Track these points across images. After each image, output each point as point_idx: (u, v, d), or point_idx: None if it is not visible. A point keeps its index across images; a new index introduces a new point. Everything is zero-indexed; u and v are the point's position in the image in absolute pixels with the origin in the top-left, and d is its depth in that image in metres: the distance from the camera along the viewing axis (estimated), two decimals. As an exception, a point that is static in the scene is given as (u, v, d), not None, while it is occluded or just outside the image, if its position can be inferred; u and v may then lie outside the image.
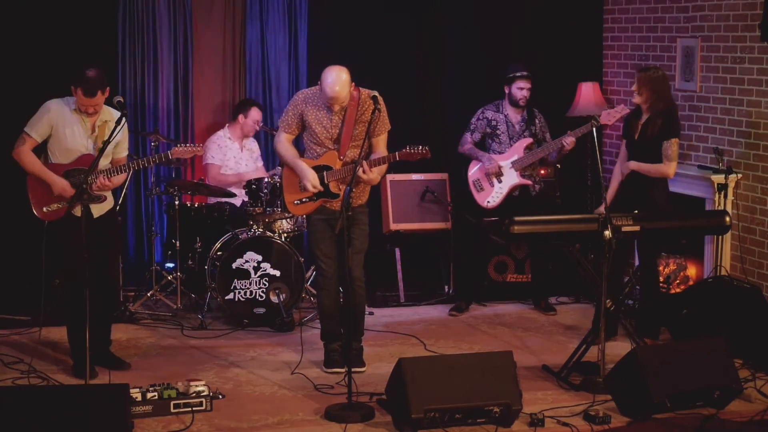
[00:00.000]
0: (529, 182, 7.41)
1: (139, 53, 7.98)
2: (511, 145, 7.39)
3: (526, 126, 7.40)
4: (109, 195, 6.10)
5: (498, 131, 7.42)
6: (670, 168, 6.53)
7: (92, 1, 7.76)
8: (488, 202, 7.45)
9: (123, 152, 6.10)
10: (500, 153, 7.41)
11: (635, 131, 6.61)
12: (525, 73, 7.34)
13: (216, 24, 8.25)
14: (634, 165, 6.56)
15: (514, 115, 7.43)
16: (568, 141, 7.15)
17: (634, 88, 6.56)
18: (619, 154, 6.83)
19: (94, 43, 7.70)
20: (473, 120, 7.50)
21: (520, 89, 7.35)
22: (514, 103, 7.38)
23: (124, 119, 5.74)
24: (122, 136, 6.03)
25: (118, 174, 5.96)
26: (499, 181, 7.39)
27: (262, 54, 8.28)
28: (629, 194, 6.56)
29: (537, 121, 7.43)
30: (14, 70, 7.59)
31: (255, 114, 7.80)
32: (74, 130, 5.90)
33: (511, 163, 7.37)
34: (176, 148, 6.19)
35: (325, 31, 8.25)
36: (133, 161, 6.13)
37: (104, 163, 5.97)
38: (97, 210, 6.01)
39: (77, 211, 5.88)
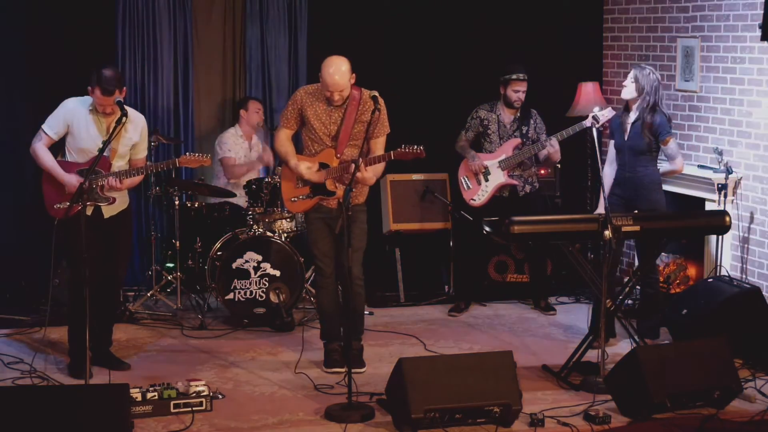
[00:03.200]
0: (517, 182, 7.40)
1: (139, 53, 7.98)
2: (501, 145, 7.40)
3: (517, 126, 7.39)
4: (123, 196, 6.10)
5: (489, 131, 7.42)
6: (680, 164, 6.67)
7: (92, 0, 7.76)
8: (473, 200, 7.45)
9: (140, 154, 6.11)
10: (491, 152, 7.41)
11: (624, 131, 6.58)
12: (521, 76, 7.31)
13: (216, 24, 8.25)
14: (665, 173, 6.72)
15: (507, 115, 7.42)
16: (551, 143, 7.15)
17: (631, 83, 6.48)
18: (607, 156, 6.76)
19: (94, 42, 7.70)
20: (468, 119, 7.51)
21: (516, 92, 7.33)
22: (509, 105, 7.37)
23: (124, 119, 5.76)
24: (141, 138, 6.06)
25: (130, 177, 5.97)
26: (486, 180, 7.39)
27: (262, 54, 8.28)
28: (628, 200, 6.53)
29: (532, 122, 7.40)
30: (14, 70, 7.59)
31: (253, 105, 7.87)
32: (89, 130, 5.91)
33: (499, 162, 7.37)
34: (184, 157, 6.19)
35: (325, 31, 8.25)
36: (143, 167, 6.11)
37: (120, 164, 5.98)
38: (109, 210, 6.03)
39: (88, 210, 5.90)
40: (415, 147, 5.94)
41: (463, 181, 7.52)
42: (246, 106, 7.88)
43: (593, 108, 6.67)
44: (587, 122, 6.83)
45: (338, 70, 5.91)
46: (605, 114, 6.54)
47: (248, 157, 7.88)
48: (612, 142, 6.70)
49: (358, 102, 6.04)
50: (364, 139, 6.00)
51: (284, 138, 6.18)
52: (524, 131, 7.38)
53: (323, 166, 6.11)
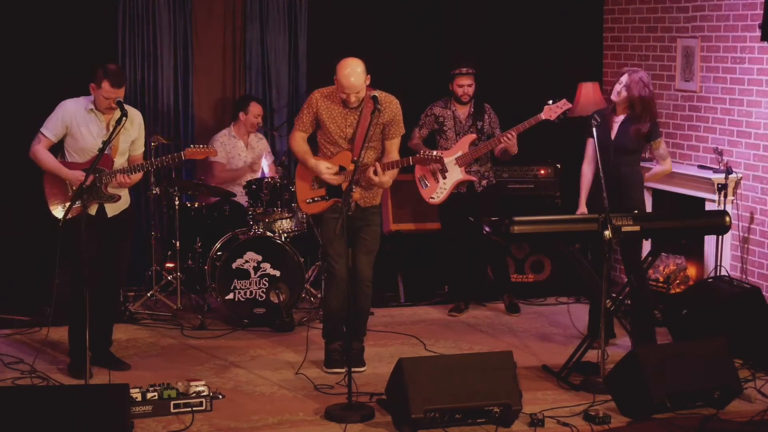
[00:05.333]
0: (474, 178, 7.40)
1: (139, 53, 7.98)
2: (457, 141, 7.40)
3: (473, 122, 7.40)
4: (125, 195, 6.10)
5: (445, 127, 7.43)
6: (669, 165, 6.70)
7: (92, 1, 7.76)
8: (432, 198, 7.45)
9: (139, 149, 6.11)
10: (446, 149, 7.42)
11: (610, 130, 6.55)
12: (463, 70, 7.36)
13: (216, 24, 8.25)
14: (655, 174, 6.81)
15: (462, 111, 7.43)
16: (508, 137, 7.15)
17: (621, 88, 6.44)
18: (586, 154, 6.70)
19: (94, 42, 7.70)
20: (422, 116, 7.52)
21: (460, 86, 7.37)
22: (458, 100, 7.40)
23: (124, 119, 5.75)
24: (138, 133, 6.06)
25: (134, 173, 5.97)
26: (444, 177, 7.39)
27: (262, 54, 8.28)
28: (611, 196, 6.47)
29: (486, 117, 7.42)
30: (14, 71, 7.59)
31: (254, 109, 7.83)
32: (89, 129, 5.91)
33: (456, 159, 7.37)
34: (189, 149, 6.20)
35: (325, 30, 8.25)
36: (147, 162, 6.13)
37: (121, 161, 5.98)
38: (112, 210, 6.03)
39: (92, 210, 5.90)
40: (435, 153, 5.97)
41: (419, 180, 7.50)
42: (246, 109, 7.82)
43: (548, 101, 6.99)
44: (543, 114, 7.00)
45: (354, 71, 5.90)
46: (554, 108, 6.92)
47: (243, 156, 7.85)
48: (591, 140, 6.66)
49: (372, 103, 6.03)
50: (367, 139, 5.97)
51: (300, 140, 6.18)
52: (479, 126, 7.39)
53: (340, 168, 6.10)
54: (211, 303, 7.42)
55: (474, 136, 7.37)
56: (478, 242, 7.53)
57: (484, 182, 7.47)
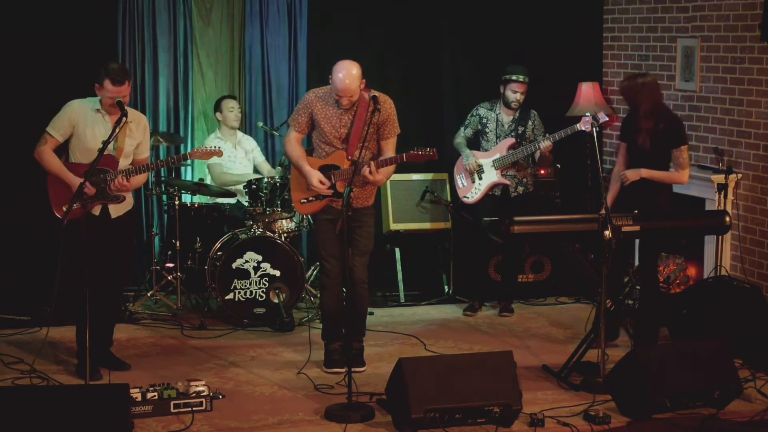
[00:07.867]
0: (509, 182, 7.40)
1: (139, 53, 7.98)
2: (497, 144, 7.40)
3: (515, 126, 7.39)
4: (128, 197, 6.09)
5: (487, 129, 7.42)
6: (684, 176, 6.38)
7: (93, 1, 7.76)
8: (466, 197, 7.48)
9: (144, 153, 6.10)
10: (487, 151, 7.42)
11: (638, 135, 6.48)
12: (520, 77, 7.28)
13: (216, 24, 8.26)
14: (645, 173, 6.30)
15: (506, 115, 7.42)
16: (543, 145, 7.14)
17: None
18: (618, 157, 6.71)
19: (94, 42, 7.70)
20: (468, 116, 7.52)
21: (514, 92, 7.31)
22: (507, 105, 7.37)
23: (124, 119, 5.75)
24: (143, 136, 6.05)
25: (137, 174, 5.96)
26: (480, 178, 7.40)
27: (262, 54, 8.29)
28: (635, 200, 6.38)
29: (530, 123, 7.38)
30: (14, 71, 7.59)
31: (226, 105, 7.82)
32: (95, 130, 5.90)
33: (493, 161, 7.38)
34: (195, 151, 6.21)
35: (325, 31, 8.25)
36: (152, 163, 6.13)
37: (125, 163, 5.97)
38: (115, 211, 6.02)
39: (96, 211, 5.90)
40: (428, 149, 5.95)
41: (457, 178, 7.53)
42: (220, 108, 7.84)
43: (592, 110, 6.69)
44: (580, 125, 6.92)
45: (349, 74, 5.89)
46: (592, 120, 6.63)
47: (232, 157, 7.80)
48: (623, 143, 6.61)
49: (368, 104, 6.03)
50: (364, 139, 5.98)
51: (294, 141, 6.17)
52: (520, 131, 7.37)
53: (334, 167, 6.10)
54: (211, 303, 7.42)
55: (513, 140, 7.35)
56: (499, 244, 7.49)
57: (520, 189, 7.46)
